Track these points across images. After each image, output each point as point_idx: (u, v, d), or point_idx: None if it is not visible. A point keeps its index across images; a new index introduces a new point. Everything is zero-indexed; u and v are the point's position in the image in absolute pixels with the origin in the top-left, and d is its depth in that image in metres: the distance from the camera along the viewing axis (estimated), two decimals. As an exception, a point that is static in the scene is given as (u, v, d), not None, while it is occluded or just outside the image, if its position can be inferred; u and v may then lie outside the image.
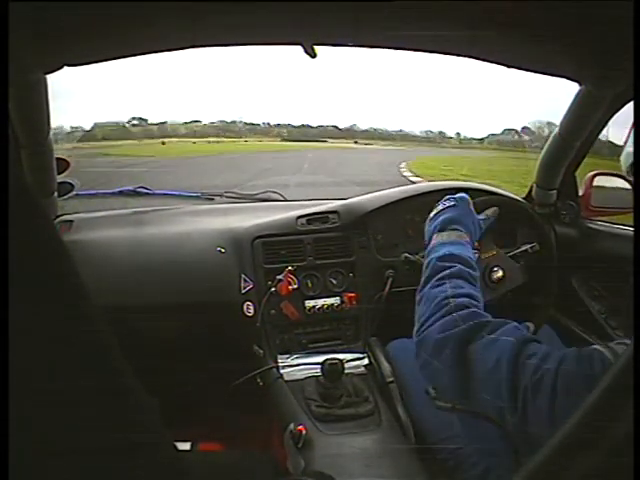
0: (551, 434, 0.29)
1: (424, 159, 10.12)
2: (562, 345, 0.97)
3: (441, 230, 0.82)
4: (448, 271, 0.72)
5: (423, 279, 0.75)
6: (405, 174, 7.32)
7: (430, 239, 0.83)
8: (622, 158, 0.74)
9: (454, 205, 0.86)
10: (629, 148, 0.72)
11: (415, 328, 0.70)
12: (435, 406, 0.85)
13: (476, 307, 0.66)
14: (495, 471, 0.75)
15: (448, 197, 0.88)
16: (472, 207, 0.88)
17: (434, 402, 0.86)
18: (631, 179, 0.72)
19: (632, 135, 0.71)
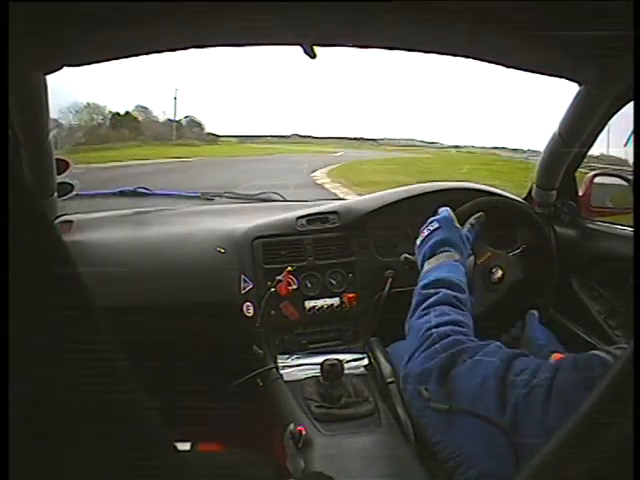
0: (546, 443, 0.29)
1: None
2: (559, 345, 0.97)
3: (430, 256, 0.84)
4: (433, 299, 0.74)
5: (411, 308, 0.78)
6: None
7: (422, 268, 0.85)
8: None
9: (438, 227, 0.87)
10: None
11: (403, 361, 0.72)
12: (430, 408, 0.86)
13: (461, 333, 0.68)
14: (495, 472, 0.75)
15: (431, 220, 0.89)
16: (455, 223, 0.89)
17: (429, 404, 0.86)
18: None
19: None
